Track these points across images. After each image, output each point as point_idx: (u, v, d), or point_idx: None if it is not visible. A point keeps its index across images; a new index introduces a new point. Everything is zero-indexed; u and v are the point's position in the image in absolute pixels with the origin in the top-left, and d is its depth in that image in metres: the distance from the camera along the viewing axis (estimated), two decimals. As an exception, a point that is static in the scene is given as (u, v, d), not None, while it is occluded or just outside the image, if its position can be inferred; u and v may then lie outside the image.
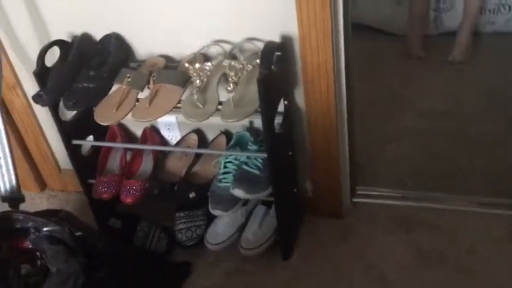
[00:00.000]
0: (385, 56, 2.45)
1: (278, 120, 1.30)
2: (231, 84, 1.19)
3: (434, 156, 1.78)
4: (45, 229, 1.26)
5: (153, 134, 1.55)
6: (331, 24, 1.20)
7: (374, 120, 1.97)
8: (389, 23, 2.58)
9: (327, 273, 1.40)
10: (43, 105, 1.31)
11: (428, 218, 1.53)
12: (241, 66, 1.20)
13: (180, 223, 1.50)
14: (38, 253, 1.25)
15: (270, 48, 1.19)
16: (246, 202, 1.44)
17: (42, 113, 1.63)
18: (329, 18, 1.19)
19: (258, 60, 1.20)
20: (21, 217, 1.29)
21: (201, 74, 1.23)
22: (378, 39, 2.57)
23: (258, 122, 1.44)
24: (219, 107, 1.22)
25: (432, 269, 1.37)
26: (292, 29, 1.24)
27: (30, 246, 1.27)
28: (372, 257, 1.43)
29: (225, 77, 1.24)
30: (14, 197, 1.43)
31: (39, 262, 1.25)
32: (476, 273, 1.34)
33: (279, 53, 1.20)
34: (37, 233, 1.26)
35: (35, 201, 1.81)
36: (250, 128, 1.44)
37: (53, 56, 1.34)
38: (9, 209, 1.40)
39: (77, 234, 1.24)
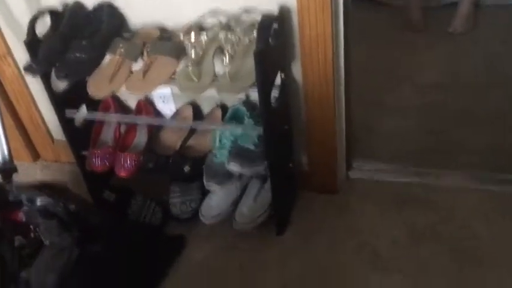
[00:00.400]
0: (385, 28, 2.41)
1: (274, 93, 1.27)
2: (227, 57, 1.16)
3: (430, 130, 1.77)
4: (39, 201, 1.25)
5: (147, 106, 1.52)
6: (331, -4, 1.17)
7: (372, 93, 1.94)
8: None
9: (320, 249, 1.40)
10: (34, 75, 1.28)
11: (423, 193, 1.52)
12: (237, 38, 1.17)
13: (175, 197, 1.49)
14: (31, 226, 1.25)
15: (267, 20, 1.15)
16: (241, 176, 1.43)
17: (34, 83, 1.60)
18: (329, -10, 1.15)
19: (254, 33, 1.17)
20: (14, 189, 1.28)
21: (196, 46, 1.20)
22: (378, 10, 2.51)
23: (254, 96, 1.41)
24: (215, 80, 1.20)
25: (426, 245, 1.38)
26: (290, 1, 1.20)
27: (23, 219, 1.27)
28: (365, 233, 1.43)
29: (220, 50, 1.21)
30: (7, 168, 1.41)
31: (32, 234, 1.25)
32: (469, 249, 1.35)
33: (276, 25, 1.17)
34: (30, 206, 1.26)
35: (28, 172, 1.79)
36: (246, 102, 1.42)
37: (44, 26, 1.30)
38: (1, 180, 1.39)
39: (70, 207, 1.24)
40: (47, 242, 1.18)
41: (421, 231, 1.41)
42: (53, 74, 1.31)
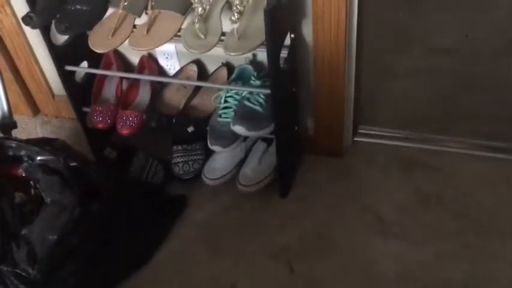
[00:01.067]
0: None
1: (283, 54, 1.23)
2: (236, 14, 1.11)
3: (438, 96, 1.72)
4: (39, 158, 1.22)
5: (150, 63, 1.47)
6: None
7: (381, 57, 1.88)
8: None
9: (323, 212, 1.40)
10: (33, 27, 1.23)
11: (429, 160, 1.50)
12: (247, -6, 1.11)
13: (177, 156, 1.47)
14: (31, 182, 1.23)
15: (279, -25, 1.09)
16: (245, 138, 1.40)
17: (34, 35, 1.55)
18: None
19: (265, -11, 1.11)
20: (13, 144, 1.25)
21: (203, 1, 1.14)
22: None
23: (261, 55, 1.37)
24: (222, 38, 1.15)
25: (430, 211, 1.37)
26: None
27: (23, 175, 1.24)
28: (369, 198, 1.42)
29: (229, 5, 1.16)
30: (6, 123, 1.38)
31: (33, 191, 1.23)
32: (472, 217, 1.34)
33: (288, -18, 1.11)
34: (31, 162, 1.23)
35: (28, 127, 1.76)
36: (254, 62, 1.37)
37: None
38: (1, 135, 1.37)
39: (72, 164, 1.21)
40: (48, 200, 1.16)
41: (426, 196, 1.40)
42: (52, 26, 1.26)
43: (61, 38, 1.34)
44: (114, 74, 1.44)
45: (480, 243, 1.28)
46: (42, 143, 1.26)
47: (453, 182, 1.43)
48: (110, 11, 1.25)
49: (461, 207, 1.37)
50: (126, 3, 1.21)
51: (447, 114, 1.66)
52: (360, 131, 1.60)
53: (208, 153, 1.45)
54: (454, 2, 2.21)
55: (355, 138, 1.58)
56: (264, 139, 1.44)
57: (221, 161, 1.43)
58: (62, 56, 1.33)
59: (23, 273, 1.08)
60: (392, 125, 1.61)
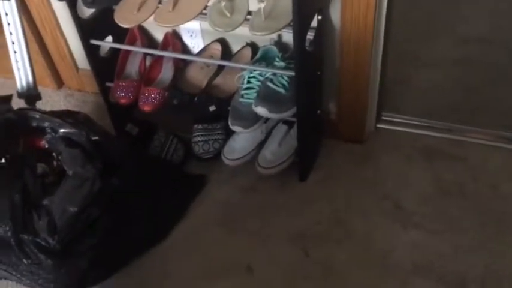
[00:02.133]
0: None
1: (309, 36, 1.21)
2: (263, -7, 1.09)
3: (465, 86, 1.69)
4: (62, 130, 1.24)
5: (174, 40, 1.46)
6: None
7: (409, 45, 1.85)
8: None
9: (342, 198, 1.38)
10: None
11: (453, 150, 1.48)
12: (275, -27, 1.09)
13: (198, 135, 1.47)
14: (54, 154, 1.24)
15: (309, -46, 1.07)
16: (266, 120, 1.39)
17: (60, 8, 1.55)
18: None
19: (294, -32, 1.08)
20: (37, 116, 1.26)
21: (231, -22, 1.13)
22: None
23: (287, 37, 1.34)
24: (248, 17, 1.13)
25: (452, 202, 1.35)
26: None
27: (46, 146, 1.26)
28: (390, 186, 1.40)
29: (257, -16, 1.14)
30: (31, 94, 1.40)
31: (55, 163, 1.24)
32: (495, 210, 1.32)
33: (318, -39, 1.08)
34: (53, 134, 1.25)
35: (52, 99, 1.78)
36: (278, 43, 1.35)
37: None
38: (26, 105, 1.38)
39: (93, 138, 1.22)
40: (69, 172, 1.17)
41: (448, 186, 1.38)
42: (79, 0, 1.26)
43: (87, 12, 1.33)
44: (138, 49, 1.44)
45: (501, 238, 1.26)
46: (65, 116, 1.27)
47: (477, 174, 1.41)
48: (137, -15, 1.24)
49: (484, 199, 1.34)
50: (153, -22, 1.20)
51: (473, 105, 1.62)
52: (384, 117, 1.57)
53: (229, 134, 1.45)
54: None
55: (378, 125, 1.56)
56: (285, 122, 1.42)
57: (241, 141, 1.42)
58: (87, 30, 1.33)
59: (43, 243, 1.10)
60: (417, 113, 1.58)
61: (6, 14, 1.32)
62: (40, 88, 1.43)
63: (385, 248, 1.27)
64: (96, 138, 1.23)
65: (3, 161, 1.21)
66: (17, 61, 1.37)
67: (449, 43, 1.89)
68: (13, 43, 1.35)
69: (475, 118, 1.56)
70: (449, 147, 1.49)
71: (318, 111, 1.43)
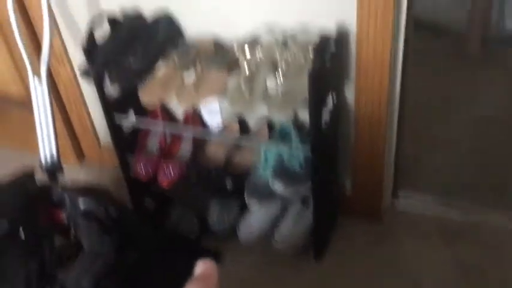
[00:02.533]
0: (442, 56, 2.34)
1: (325, 116, 1.24)
2: (281, 76, 1.14)
3: (482, 167, 1.69)
4: (81, 204, 1.26)
5: (195, 117, 1.52)
6: (393, 18, 1.13)
7: (424, 124, 1.88)
8: (449, 22, 2.46)
9: (358, 278, 1.35)
10: (89, 79, 1.30)
11: (473, 231, 1.45)
12: (292, 57, 1.15)
13: (214, 210, 1.47)
14: (72, 227, 1.26)
15: (324, 41, 1.13)
16: (282, 196, 1.40)
17: (87, 87, 1.63)
18: (391, 15, 1.12)
19: (310, 52, 1.14)
20: (58, 189, 1.29)
21: (250, 62, 1.19)
22: (435, 37, 2.45)
23: (302, 115, 1.39)
24: (266, 97, 1.18)
25: (472, 285, 1.30)
26: (350, 20, 1.18)
27: (65, 220, 1.28)
28: (407, 266, 1.37)
29: (274, 67, 1.19)
30: (54, 168, 1.44)
31: (72, 236, 1.25)
32: (519, 295, 1.27)
33: (333, 47, 1.14)
34: (73, 207, 1.26)
35: (73, 173, 1.81)
36: (295, 121, 1.39)
37: (103, 31, 1.33)
38: (48, 179, 1.42)
39: (111, 212, 1.23)
40: (85, 246, 1.18)
41: (467, 269, 1.34)
42: (106, 79, 1.33)
43: (113, 90, 1.40)
44: (160, 126, 1.49)
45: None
46: (85, 190, 1.29)
47: (498, 257, 1.37)
48: (162, 67, 1.31)
49: (505, 283, 1.30)
50: (176, 61, 1.26)
51: (490, 185, 1.61)
52: (400, 195, 1.57)
53: (245, 209, 1.45)
54: (497, 71, 2.21)
55: (395, 203, 1.55)
56: (301, 198, 1.43)
57: (257, 217, 1.42)
58: (112, 107, 1.39)
59: (55, 318, 1.09)
60: (434, 192, 1.57)
61: (36, 90, 1.39)
62: (62, 162, 1.47)
63: (405, 332, 1.22)
64: (114, 212, 1.24)
65: (22, 233, 1.22)
66: (42, 135, 1.43)
67: (464, 122, 1.91)
68: (40, 118, 1.42)
69: (493, 198, 1.55)
70: (469, 228, 1.46)
71: (334, 188, 1.44)
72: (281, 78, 1.14)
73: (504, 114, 1.95)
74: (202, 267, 0.31)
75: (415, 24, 1.29)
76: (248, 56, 1.18)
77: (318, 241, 1.40)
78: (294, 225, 1.40)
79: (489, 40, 2.35)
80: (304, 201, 1.43)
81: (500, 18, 2.37)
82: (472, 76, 2.20)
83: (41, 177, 1.38)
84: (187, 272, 1.38)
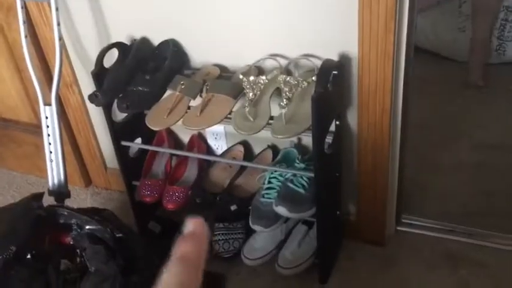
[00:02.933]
0: (443, 83, 2.37)
1: (328, 140, 1.27)
2: (284, 100, 1.17)
3: (486, 192, 1.69)
4: (87, 227, 1.27)
5: (200, 142, 1.55)
6: (394, 45, 1.16)
7: (427, 149, 1.90)
8: (450, 49, 2.50)
9: (365, 302, 1.35)
10: (98, 105, 1.33)
11: (476, 255, 1.45)
12: (296, 82, 1.18)
13: (219, 234, 1.48)
14: (78, 250, 1.27)
15: (327, 66, 1.16)
16: (287, 219, 1.41)
17: (95, 112, 1.67)
18: (392, 42, 1.15)
19: (313, 78, 1.17)
20: (65, 213, 1.31)
21: (254, 87, 1.22)
22: (437, 64, 2.49)
23: (306, 140, 1.41)
24: (270, 121, 1.21)
25: (478, 311, 1.30)
26: (351, 47, 1.21)
27: (71, 243, 1.29)
28: (413, 291, 1.37)
29: (278, 92, 1.22)
30: (61, 192, 1.46)
31: (78, 259, 1.26)
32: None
33: (335, 72, 1.17)
34: (79, 230, 1.28)
35: (79, 197, 1.84)
36: (298, 145, 1.42)
37: (111, 58, 1.37)
38: (55, 203, 1.44)
39: (117, 235, 1.25)
40: (92, 268, 1.19)
41: (473, 295, 1.34)
42: (114, 105, 1.36)
43: (120, 116, 1.43)
44: (166, 150, 1.51)
45: None
46: (91, 213, 1.31)
47: (502, 281, 1.36)
48: (168, 93, 1.34)
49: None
50: (183, 87, 1.30)
51: (493, 210, 1.62)
52: (404, 220, 1.57)
53: (249, 233, 1.46)
54: (500, 97, 2.23)
55: (399, 228, 1.56)
56: (305, 222, 1.44)
57: (261, 241, 1.43)
58: (119, 132, 1.42)
59: None
60: (438, 217, 1.57)
61: (47, 118, 1.43)
62: (69, 186, 1.49)
63: None
64: (120, 235, 1.26)
65: (29, 256, 1.23)
66: (51, 160, 1.45)
67: (466, 148, 1.93)
68: (50, 144, 1.45)
69: (496, 223, 1.55)
70: (471, 252, 1.46)
71: (338, 212, 1.45)
72: (284, 102, 1.17)
73: (504, 139, 1.97)
74: (191, 225, 0.32)
75: (417, 51, 1.32)
76: (252, 81, 1.21)
77: (322, 265, 1.40)
78: (298, 249, 1.41)
79: (491, 66, 2.39)
80: (308, 225, 1.44)
81: (501, 45, 2.41)
82: (474, 102, 2.23)
83: (48, 201, 1.41)
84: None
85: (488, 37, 2.37)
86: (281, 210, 1.27)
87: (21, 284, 1.16)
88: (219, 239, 1.48)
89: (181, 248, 0.31)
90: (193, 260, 0.31)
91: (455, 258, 1.45)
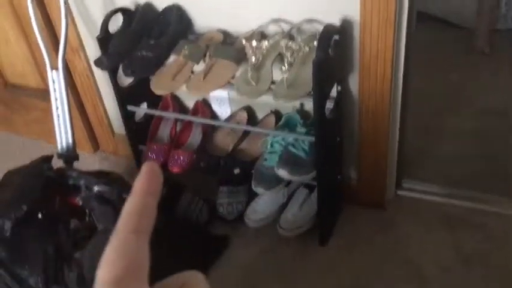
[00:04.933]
0: (449, 49, 2.36)
1: (329, 105, 1.29)
2: (286, 65, 1.19)
3: (487, 157, 1.71)
4: (96, 188, 1.32)
5: (204, 107, 1.57)
6: (395, 11, 1.17)
7: (430, 116, 1.91)
8: (457, 15, 2.48)
9: (362, 264, 1.39)
10: (103, 69, 1.36)
11: (475, 219, 1.48)
12: (298, 47, 1.20)
13: (223, 197, 1.53)
14: (87, 210, 1.32)
15: (328, 31, 1.17)
16: (288, 183, 1.45)
17: (102, 78, 1.69)
18: (394, 4, 1.15)
19: (315, 43, 1.19)
20: (74, 174, 1.35)
21: (257, 52, 1.24)
22: (443, 30, 2.47)
23: (308, 105, 1.43)
24: (272, 86, 1.23)
25: (474, 270, 1.34)
26: (353, 12, 1.22)
27: (80, 203, 1.34)
28: (410, 253, 1.41)
29: (280, 57, 1.24)
30: (70, 155, 1.50)
31: (87, 219, 1.31)
32: (518, 281, 1.30)
33: (337, 37, 1.18)
34: (88, 192, 1.33)
35: (88, 161, 1.89)
36: (300, 111, 1.44)
37: (116, 23, 1.38)
38: (64, 165, 1.48)
39: (125, 196, 1.29)
40: (100, 227, 1.24)
41: (470, 255, 1.38)
42: (119, 70, 1.38)
43: (126, 81, 1.46)
44: (171, 115, 1.54)
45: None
46: (99, 175, 1.36)
47: (499, 244, 1.40)
48: (172, 58, 1.36)
49: (506, 269, 1.33)
50: (186, 52, 1.32)
51: (494, 174, 1.64)
52: (404, 184, 1.61)
53: (252, 196, 1.50)
54: (505, 64, 2.22)
55: (399, 192, 1.59)
56: (306, 186, 1.48)
57: (264, 204, 1.47)
58: (125, 97, 1.45)
59: (71, 294, 1.15)
60: (438, 182, 1.60)
61: (54, 82, 1.46)
62: (77, 151, 1.53)
63: (405, 314, 1.26)
64: (128, 196, 1.30)
65: (39, 216, 1.29)
66: (59, 124, 1.49)
67: (468, 114, 1.94)
68: (57, 108, 1.48)
69: (496, 187, 1.57)
70: (470, 215, 1.50)
71: (339, 177, 1.48)
72: (286, 67, 1.18)
73: (507, 106, 1.97)
74: (145, 167, 0.35)
75: (424, 17, 1.32)
76: (255, 46, 1.23)
77: (322, 228, 1.45)
78: (299, 212, 1.45)
79: (496, 32, 2.37)
80: (309, 189, 1.48)
81: (508, 11, 2.39)
82: (479, 69, 2.23)
83: (57, 164, 1.45)
84: (194, 256, 1.44)
85: (496, 3, 2.34)
86: (282, 173, 1.30)
87: (34, 242, 1.21)
88: (223, 202, 1.53)
89: (136, 184, 0.35)
90: (147, 191, 0.35)
91: (453, 221, 1.48)
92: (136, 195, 0.35)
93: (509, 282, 1.30)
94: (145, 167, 0.36)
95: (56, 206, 1.33)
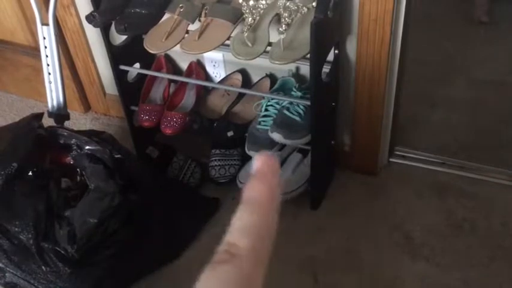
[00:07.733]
0: (446, 18, 2.33)
1: (326, 69, 1.27)
2: (283, 26, 1.16)
3: (478, 126, 1.72)
4: (87, 147, 1.30)
5: (198, 68, 1.55)
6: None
7: (425, 84, 1.90)
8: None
9: (352, 228, 1.41)
10: (95, 25, 1.32)
11: (465, 187, 1.50)
12: (295, 7, 1.17)
13: (215, 160, 1.52)
14: (78, 169, 1.31)
15: (328, -9, 1.14)
16: (282, 147, 1.44)
17: (93, 35, 1.65)
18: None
19: (314, 3, 1.16)
20: (65, 133, 1.34)
21: (254, 11, 1.21)
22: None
23: (304, 69, 1.41)
24: (268, 47, 1.20)
25: (462, 237, 1.36)
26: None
27: (71, 162, 1.33)
28: (400, 218, 1.42)
29: (277, 18, 1.21)
30: (60, 114, 1.48)
31: (78, 178, 1.31)
32: (506, 247, 1.32)
33: (336, -1, 1.16)
34: (79, 151, 1.31)
35: (79, 122, 1.87)
36: (296, 74, 1.42)
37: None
38: (55, 124, 1.46)
39: (116, 156, 1.28)
40: (91, 186, 1.23)
41: (459, 222, 1.39)
42: (112, 28, 1.35)
43: (118, 39, 1.43)
44: (164, 75, 1.52)
45: (510, 274, 1.26)
46: (90, 135, 1.34)
47: (488, 211, 1.42)
48: (166, 16, 1.33)
49: (495, 236, 1.35)
50: (181, 10, 1.28)
51: (486, 144, 1.65)
52: (397, 152, 1.61)
53: (245, 160, 1.50)
54: (503, 34, 2.21)
55: (391, 159, 1.59)
56: (300, 150, 1.47)
57: (257, 167, 1.46)
58: (117, 56, 1.42)
59: (62, 251, 1.15)
60: (430, 150, 1.61)
61: (44, 38, 1.42)
62: (68, 111, 1.51)
63: (394, 278, 1.28)
64: (119, 156, 1.29)
65: (30, 173, 1.27)
66: (50, 82, 1.46)
67: (463, 84, 1.93)
68: (48, 65, 1.45)
69: (488, 157, 1.58)
70: (462, 184, 1.51)
71: (332, 142, 1.48)
72: (283, 27, 1.16)
73: (504, 76, 1.97)
74: (259, 163, 0.31)
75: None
76: (252, 5, 1.20)
77: (314, 191, 1.45)
78: (292, 176, 1.44)
79: (495, 2, 2.34)
80: (302, 153, 1.47)
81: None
82: (477, 39, 2.21)
83: (48, 123, 1.43)
84: (186, 217, 1.45)
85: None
86: (276, 136, 1.29)
87: (23, 198, 1.20)
88: (216, 165, 1.52)
89: (249, 191, 0.31)
90: (264, 202, 0.32)
91: (444, 189, 1.49)
92: (249, 208, 0.32)
93: (496, 248, 1.32)
94: (257, 163, 0.34)
95: (47, 164, 1.32)
